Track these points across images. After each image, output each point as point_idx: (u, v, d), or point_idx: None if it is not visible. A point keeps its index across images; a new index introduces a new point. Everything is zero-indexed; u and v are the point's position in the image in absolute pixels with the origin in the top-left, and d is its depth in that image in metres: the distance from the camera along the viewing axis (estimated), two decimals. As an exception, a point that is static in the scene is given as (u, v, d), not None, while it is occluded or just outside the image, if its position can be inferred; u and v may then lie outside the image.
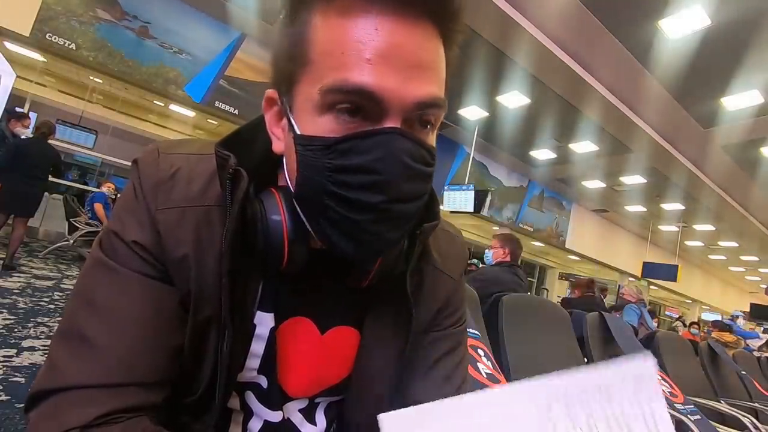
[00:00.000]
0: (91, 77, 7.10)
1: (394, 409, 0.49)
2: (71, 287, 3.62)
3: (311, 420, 0.50)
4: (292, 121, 0.38)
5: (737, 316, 9.73)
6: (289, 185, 0.40)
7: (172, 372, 0.41)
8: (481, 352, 1.14)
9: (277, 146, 0.42)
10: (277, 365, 0.46)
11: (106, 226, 0.43)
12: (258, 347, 0.45)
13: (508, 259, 2.71)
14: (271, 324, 0.45)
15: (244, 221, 0.40)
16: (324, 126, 0.36)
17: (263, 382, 0.46)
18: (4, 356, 1.92)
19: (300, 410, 0.49)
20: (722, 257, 14.94)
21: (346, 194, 0.35)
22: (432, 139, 0.40)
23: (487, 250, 2.76)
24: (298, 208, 0.40)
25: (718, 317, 13.63)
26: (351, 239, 0.37)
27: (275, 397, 0.47)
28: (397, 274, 0.46)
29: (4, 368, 1.81)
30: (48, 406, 0.36)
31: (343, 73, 0.34)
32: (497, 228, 10.40)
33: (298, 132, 0.37)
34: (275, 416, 0.48)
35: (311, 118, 0.36)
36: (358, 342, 0.49)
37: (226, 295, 0.40)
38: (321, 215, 0.38)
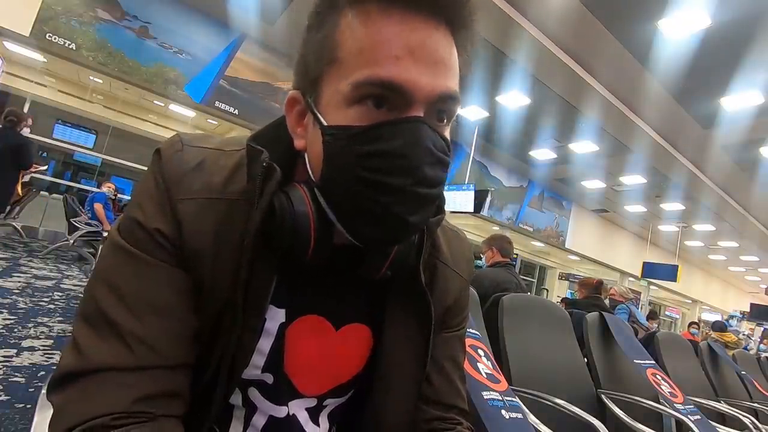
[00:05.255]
0: (91, 77, 7.10)
1: (416, 407, 0.50)
2: (71, 287, 3.63)
3: (315, 421, 0.50)
4: (318, 115, 0.40)
5: (743, 320, 9.71)
6: (312, 178, 0.42)
7: (193, 357, 0.42)
8: (481, 352, 1.14)
9: (299, 143, 0.44)
10: (284, 362, 0.46)
11: (125, 213, 0.43)
12: (265, 343, 0.45)
13: (499, 257, 2.71)
14: (282, 320, 0.46)
15: (273, 214, 0.41)
16: (352, 116, 0.38)
17: (269, 379, 0.47)
18: (4, 356, 1.92)
19: (307, 409, 0.49)
20: (722, 257, 14.94)
21: (376, 178, 0.37)
22: (447, 131, 0.42)
23: (478, 260, 2.76)
24: (322, 199, 0.41)
25: (719, 317, 13.65)
26: (376, 223, 0.39)
27: (283, 393, 0.47)
28: (409, 269, 0.47)
29: (4, 368, 1.80)
30: (78, 389, 0.36)
31: (373, 69, 0.37)
32: (497, 228, 10.40)
33: (325, 124, 0.39)
34: (281, 412, 0.48)
35: (339, 111, 0.39)
36: (370, 339, 0.50)
37: (242, 289, 0.40)
38: (348, 202, 0.39)
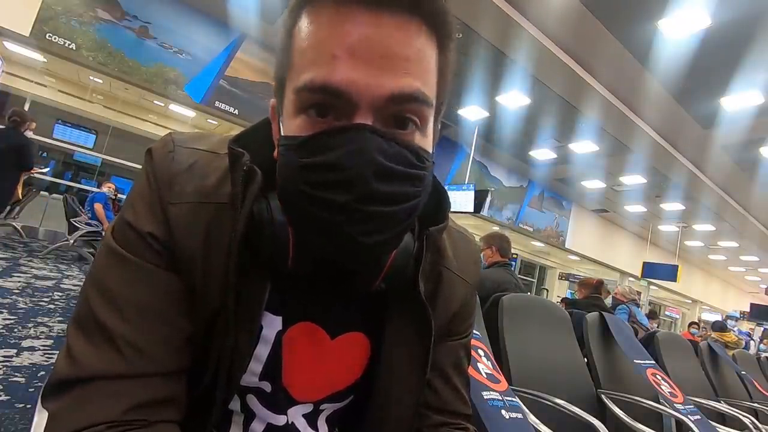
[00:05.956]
0: (91, 77, 7.10)
1: (416, 417, 0.50)
2: (71, 287, 3.62)
3: (314, 426, 0.49)
4: (280, 124, 0.39)
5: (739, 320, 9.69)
6: None
7: (188, 361, 0.41)
8: (481, 352, 1.14)
9: (276, 152, 0.42)
10: (282, 369, 0.46)
11: (119, 214, 0.42)
12: (262, 351, 0.44)
13: (498, 256, 2.70)
14: (279, 327, 0.45)
15: (253, 220, 0.39)
16: (298, 125, 0.36)
17: (266, 387, 0.46)
18: (4, 356, 1.92)
19: (304, 415, 0.49)
20: (722, 257, 14.94)
21: (315, 193, 0.34)
22: (421, 140, 0.37)
23: None
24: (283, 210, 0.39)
25: (719, 317, 13.65)
26: (328, 243, 0.36)
27: (281, 401, 0.47)
28: (407, 280, 0.44)
29: (4, 368, 1.80)
30: (71, 397, 0.36)
31: (311, 72, 0.34)
32: (497, 228, 10.41)
33: (282, 134, 0.38)
34: (279, 420, 0.47)
35: (290, 119, 0.37)
36: (368, 348, 0.48)
37: (233, 294, 0.39)
38: (299, 217, 0.37)
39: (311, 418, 0.49)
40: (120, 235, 0.41)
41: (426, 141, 0.38)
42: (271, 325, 0.44)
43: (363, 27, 0.33)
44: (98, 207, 5.12)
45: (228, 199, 0.41)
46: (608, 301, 4.31)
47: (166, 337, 0.39)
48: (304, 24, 0.36)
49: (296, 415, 0.48)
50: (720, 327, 6.17)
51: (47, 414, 0.36)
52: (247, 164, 0.39)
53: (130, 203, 0.42)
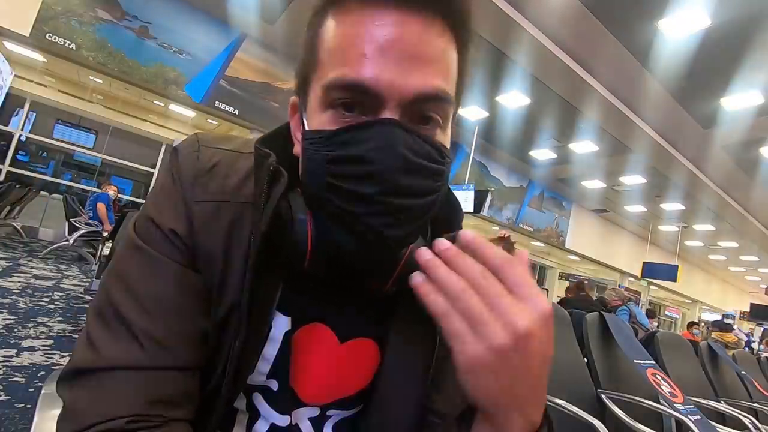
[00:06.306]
0: (91, 77, 7.09)
1: (417, 426, 0.49)
2: (71, 287, 3.63)
3: (319, 431, 0.49)
4: (304, 120, 0.40)
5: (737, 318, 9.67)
6: None
7: (202, 359, 0.41)
8: (481, 352, 1.14)
9: (297, 148, 0.43)
10: (289, 370, 0.46)
11: (141, 210, 0.43)
12: (270, 350, 0.44)
13: None
14: (287, 327, 0.45)
15: (278, 220, 0.40)
16: (326, 120, 0.37)
17: (273, 385, 0.46)
18: (4, 356, 1.92)
19: (310, 419, 0.48)
20: (722, 257, 14.94)
21: (342, 185, 0.35)
22: (441, 137, 0.39)
23: None
24: (306, 205, 0.40)
25: (719, 317, 13.66)
26: (351, 235, 0.37)
27: (286, 402, 0.47)
28: None
29: (4, 368, 1.81)
30: (91, 387, 0.36)
31: (341, 70, 0.35)
32: (497, 228, 10.41)
33: (307, 128, 0.39)
34: (283, 420, 0.47)
35: (317, 115, 0.38)
36: (377, 354, 0.48)
37: (247, 293, 0.40)
38: (322, 210, 0.38)
39: (317, 423, 0.49)
40: (142, 230, 0.41)
41: (446, 138, 0.40)
42: (280, 325, 0.45)
43: (391, 27, 0.35)
44: (101, 207, 5.13)
45: (250, 199, 0.42)
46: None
47: (184, 332, 0.40)
48: (330, 23, 0.37)
49: (302, 417, 0.48)
50: (721, 327, 6.17)
51: (63, 402, 0.36)
52: (274, 164, 0.40)
53: (153, 200, 0.43)
